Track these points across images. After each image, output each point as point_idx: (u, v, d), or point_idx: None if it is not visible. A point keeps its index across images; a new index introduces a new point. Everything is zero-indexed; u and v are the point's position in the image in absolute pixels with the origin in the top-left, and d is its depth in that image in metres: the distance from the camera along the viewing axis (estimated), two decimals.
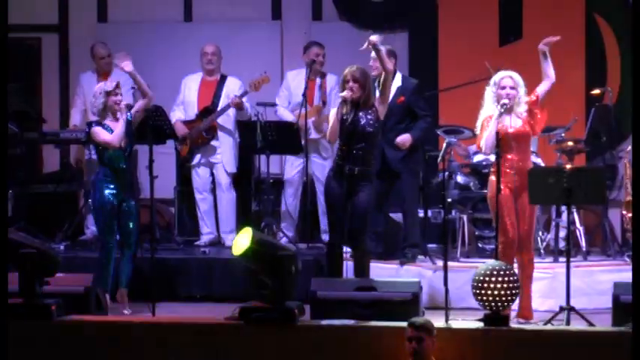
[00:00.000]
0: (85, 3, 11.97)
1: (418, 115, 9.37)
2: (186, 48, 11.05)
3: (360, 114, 8.26)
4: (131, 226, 8.69)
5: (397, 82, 9.38)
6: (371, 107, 8.30)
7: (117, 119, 8.59)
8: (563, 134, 9.86)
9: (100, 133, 8.59)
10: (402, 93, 9.36)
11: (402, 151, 9.31)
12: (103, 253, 8.68)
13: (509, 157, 8.14)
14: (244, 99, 10.11)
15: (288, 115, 10.28)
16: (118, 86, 8.64)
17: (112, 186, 8.62)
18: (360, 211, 8.25)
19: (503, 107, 8.08)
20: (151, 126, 8.93)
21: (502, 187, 8.03)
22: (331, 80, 10.29)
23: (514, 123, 8.18)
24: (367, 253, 8.50)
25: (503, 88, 8.17)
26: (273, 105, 10.35)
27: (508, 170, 8.13)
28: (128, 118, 8.66)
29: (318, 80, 10.29)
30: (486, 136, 8.14)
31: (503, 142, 8.07)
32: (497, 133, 8.00)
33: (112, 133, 8.55)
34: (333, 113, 8.39)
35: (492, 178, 8.20)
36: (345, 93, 8.23)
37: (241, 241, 7.10)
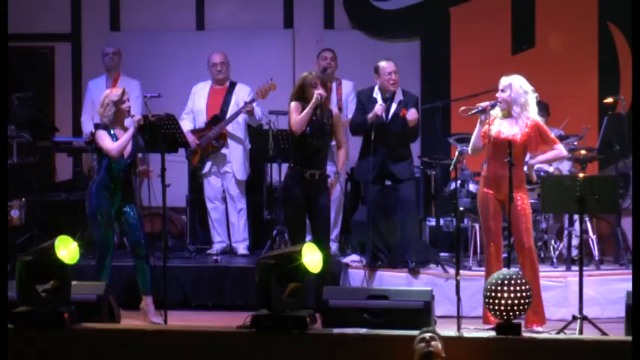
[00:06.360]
0: (97, 12, 12.02)
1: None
2: (198, 56, 11.05)
3: (321, 116, 8.50)
4: (138, 234, 8.60)
5: (399, 96, 9.44)
6: (329, 111, 8.59)
7: (125, 129, 8.54)
8: (576, 143, 9.85)
9: (105, 138, 8.44)
10: (404, 106, 9.39)
11: (400, 162, 9.38)
12: (98, 264, 8.57)
13: (497, 162, 8.09)
14: (254, 104, 10.14)
15: None
16: (124, 93, 8.57)
17: (107, 194, 8.48)
18: (325, 214, 8.53)
19: (479, 108, 8.05)
20: (164, 134, 8.93)
21: (486, 191, 8.10)
22: (347, 86, 10.32)
23: (507, 129, 8.12)
24: (331, 256, 8.75)
25: (502, 91, 8.16)
26: (286, 113, 10.31)
27: (495, 176, 8.11)
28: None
29: (333, 86, 10.29)
30: (472, 138, 8.17)
31: (494, 147, 8.05)
32: (510, 141, 7.98)
33: (116, 141, 8.46)
34: (293, 107, 8.54)
35: (479, 184, 8.29)
36: (322, 91, 8.46)
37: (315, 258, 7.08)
